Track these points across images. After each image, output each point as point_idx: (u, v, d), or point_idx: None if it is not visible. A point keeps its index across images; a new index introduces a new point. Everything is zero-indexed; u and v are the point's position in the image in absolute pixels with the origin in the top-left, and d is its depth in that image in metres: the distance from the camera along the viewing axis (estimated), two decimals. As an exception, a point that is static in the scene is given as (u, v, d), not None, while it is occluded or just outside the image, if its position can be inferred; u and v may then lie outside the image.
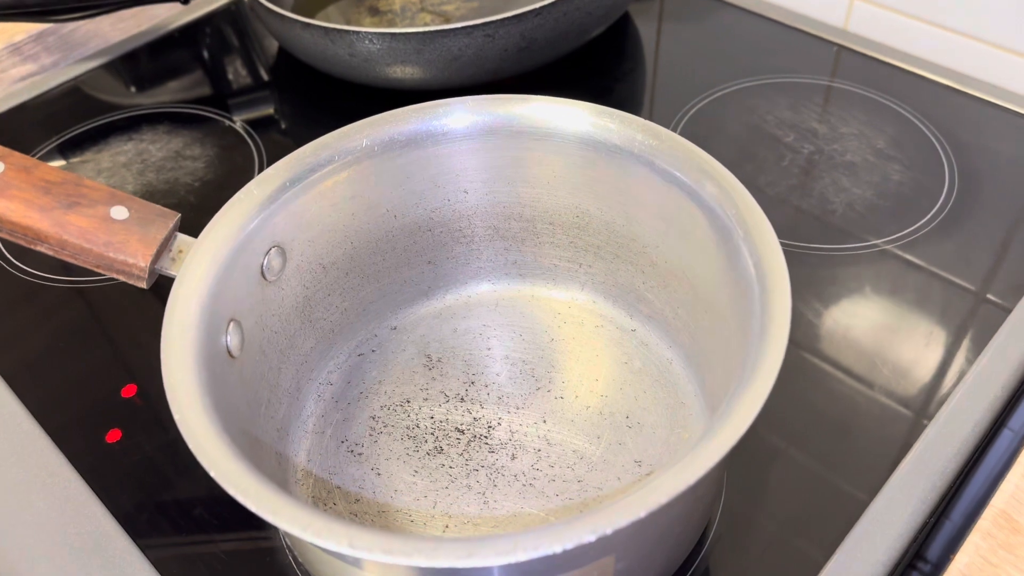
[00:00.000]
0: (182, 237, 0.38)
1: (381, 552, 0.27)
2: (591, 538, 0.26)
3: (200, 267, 0.36)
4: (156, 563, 0.40)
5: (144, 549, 0.41)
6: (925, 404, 0.44)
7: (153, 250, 0.37)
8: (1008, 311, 0.49)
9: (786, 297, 0.32)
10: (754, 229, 0.35)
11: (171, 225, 0.38)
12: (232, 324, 0.37)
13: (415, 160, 0.42)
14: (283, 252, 0.40)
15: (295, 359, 0.43)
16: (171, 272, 0.37)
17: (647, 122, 0.40)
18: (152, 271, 0.37)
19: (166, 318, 0.34)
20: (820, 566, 0.38)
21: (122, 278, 0.38)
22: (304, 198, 0.40)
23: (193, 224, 0.40)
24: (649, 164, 0.40)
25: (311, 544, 0.29)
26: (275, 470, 0.40)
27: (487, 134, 0.42)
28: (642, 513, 0.27)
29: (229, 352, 0.37)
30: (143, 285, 0.38)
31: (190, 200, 0.58)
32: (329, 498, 0.41)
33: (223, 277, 0.37)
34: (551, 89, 0.44)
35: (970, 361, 0.46)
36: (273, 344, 0.41)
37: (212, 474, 0.29)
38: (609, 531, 0.27)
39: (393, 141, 0.41)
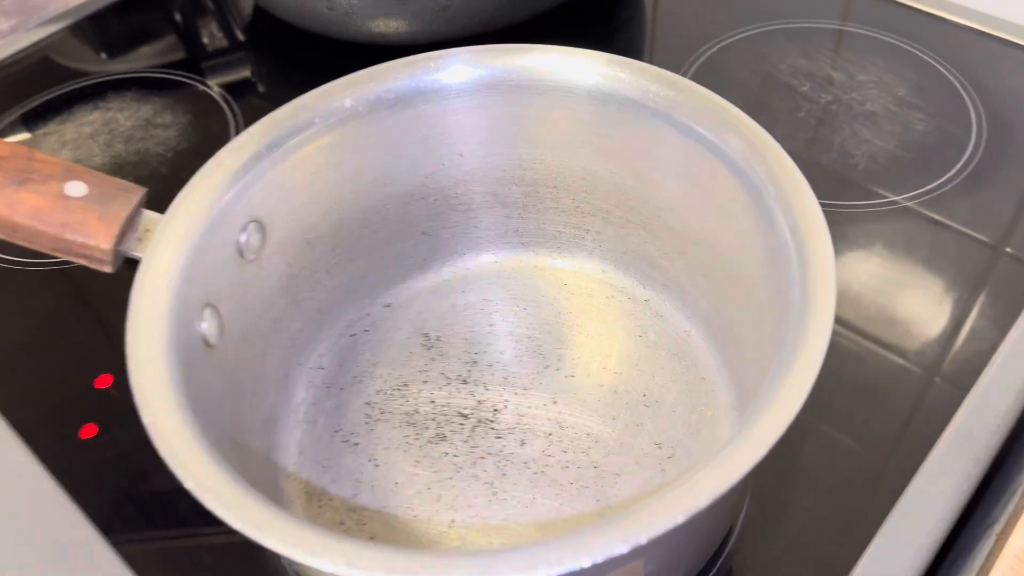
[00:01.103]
0: (149, 214, 0.34)
1: (382, 571, 0.23)
2: (624, 549, 0.23)
3: (169, 247, 0.32)
4: (136, 567, 0.37)
5: (123, 554, 0.37)
6: (962, 374, 0.41)
7: (116, 230, 0.33)
8: (1048, 271, 0.45)
9: (829, 266, 0.28)
10: (788, 188, 0.31)
11: (135, 201, 0.34)
12: (208, 309, 0.33)
13: (405, 121, 0.38)
14: (262, 227, 0.36)
15: (281, 344, 0.39)
16: (137, 254, 0.33)
17: (663, 71, 0.36)
18: (116, 253, 0.33)
19: (131, 306, 0.30)
20: (860, 551, 0.35)
21: (83, 262, 0.34)
22: (283, 166, 0.36)
23: (165, 199, 0.35)
24: (666, 117, 0.36)
25: (304, 560, 0.25)
26: (263, 466, 0.37)
27: (484, 89, 0.38)
28: (681, 518, 0.24)
29: (206, 341, 0.33)
30: (108, 269, 0.34)
31: (162, 172, 0.54)
32: (324, 494, 0.37)
33: (196, 257, 0.33)
34: (546, 40, 0.40)
35: (1006, 327, 0.43)
36: (255, 329, 0.37)
37: (188, 486, 0.26)
38: (644, 540, 0.23)
39: (380, 100, 0.37)
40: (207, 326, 0.33)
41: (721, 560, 0.36)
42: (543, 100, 0.38)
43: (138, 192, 0.34)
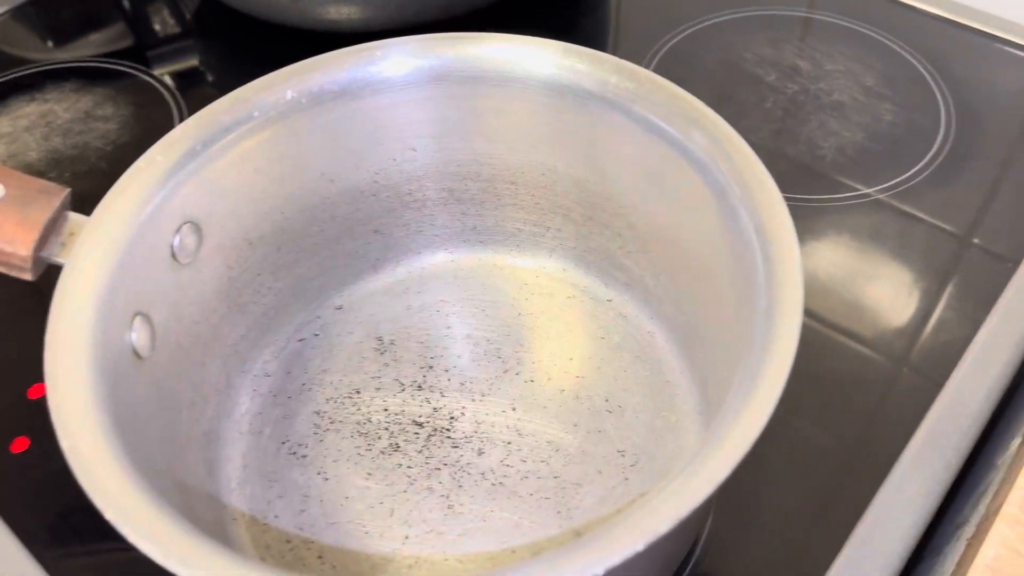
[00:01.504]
0: (74, 217, 0.32)
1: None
2: (579, 581, 0.21)
3: (94, 252, 0.30)
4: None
5: (55, 574, 0.35)
6: (932, 366, 0.40)
7: (36, 235, 0.31)
8: (1015, 263, 0.44)
9: (796, 272, 0.27)
10: (754, 187, 0.30)
11: (57, 203, 0.31)
12: (138, 318, 0.31)
13: (351, 114, 0.36)
14: (198, 228, 0.34)
15: (222, 351, 0.37)
16: (60, 260, 0.31)
17: (623, 62, 0.34)
18: (37, 260, 0.31)
19: (51, 318, 0.28)
20: (833, 553, 0.34)
21: (3, 269, 0.32)
22: (220, 163, 0.34)
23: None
24: (626, 111, 0.34)
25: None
26: (204, 482, 0.35)
27: (435, 81, 0.36)
28: (640, 545, 0.22)
29: (136, 352, 0.31)
30: (28, 277, 0.31)
31: (102, 167, 0.51)
32: (269, 509, 0.35)
33: (124, 263, 0.30)
34: (507, 29, 0.38)
35: (978, 321, 0.42)
36: (193, 336, 0.35)
37: (108, 516, 0.24)
38: (600, 571, 0.22)
39: (324, 92, 0.35)
40: (137, 336, 0.31)
41: (688, 570, 0.35)
42: (498, 92, 0.36)
43: (60, 193, 0.32)
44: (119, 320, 0.30)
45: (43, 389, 0.41)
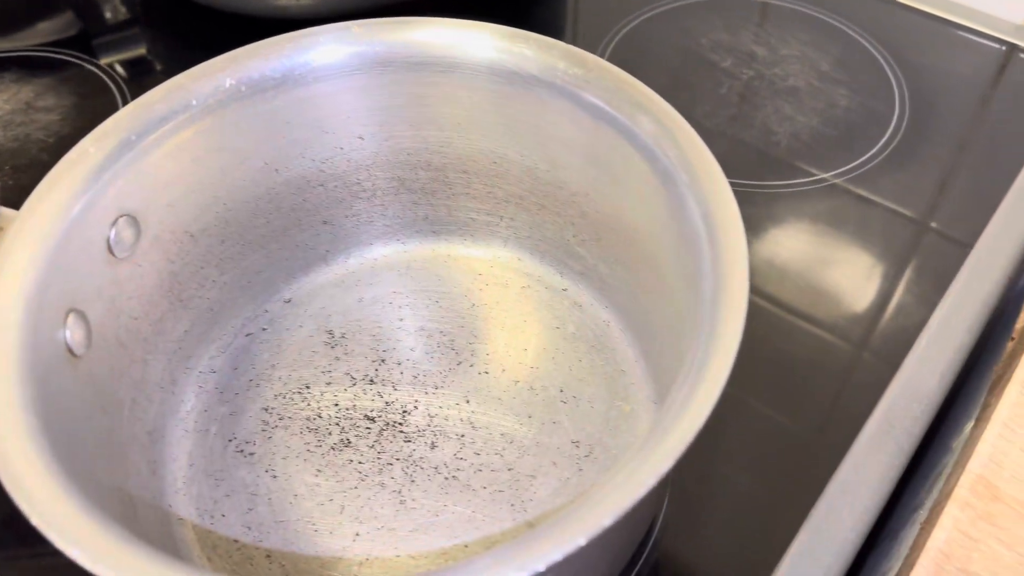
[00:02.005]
0: (3, 211, 0.31)
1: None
2: (521, 578, 0.21)
3: (24, 248, 0.29)
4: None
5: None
6: (890, 348, 0.40)
7: (-39, 229, 0.29)
8: (968, 247, 0.44)
9: (743, 259, 0.26)
10: (701, 174, 0.29)
11: (-15, 196, 0.30)
12: (72, 315, 0.30)
13: (294, 101, 0.35)
14: (135, 221, 0.33)
15: (165, 347, 0.36)
16: (-12, 255, 0.30)
17: (570, 47, 0.33)
18: (-37, 255, 0.30)
19: (-23, 316, 0.27)
20: (787, 541, 0.34)
21: (-73, 265, 0.30)
22: (157, 154, 0.33)
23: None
24: (574, 97, 0.33)
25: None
26: (148, 482, 0.34)
27: (380, 67, 0.35)
28: (582, 540, 0.22)
29: (70, 350, 0.30)
30: (-46, 273, 0.30)
31: (43, 159, 0.50)
32: (216, 509, 0.35)
33: (56, 258, 0.29)
34: (458, 13, 0.38)
35: (930, 303, 0.42)
36: (133, 333, 0.34)
37: (34, 522, 0.23)
38: (542, 567, 0.21)
39: (264, 79, 0.34)
40: (71, 334, 0.30)
41: (645, 554, 0.34)
42: (445, 79, 0.36)
43: (-12, 186, 0.30)
44: (51, 317, 0.29)
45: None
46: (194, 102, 0.33)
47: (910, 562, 0.33)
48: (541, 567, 0.21)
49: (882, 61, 0.54)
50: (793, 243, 0.45)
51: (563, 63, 0.34)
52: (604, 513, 0.22)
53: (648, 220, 0.33)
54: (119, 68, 0.56)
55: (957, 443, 0.39)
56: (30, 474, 0.24)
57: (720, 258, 0.27)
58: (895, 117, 0.51)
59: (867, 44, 0.55)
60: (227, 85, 0.34)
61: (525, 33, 0.34)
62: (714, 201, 0.28)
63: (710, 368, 0.24)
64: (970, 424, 0.39)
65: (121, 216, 0.32)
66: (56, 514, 0.23)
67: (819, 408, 0.39)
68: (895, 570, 0.34)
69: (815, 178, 0.48)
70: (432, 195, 0.41)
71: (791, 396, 0.39)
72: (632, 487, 0.22)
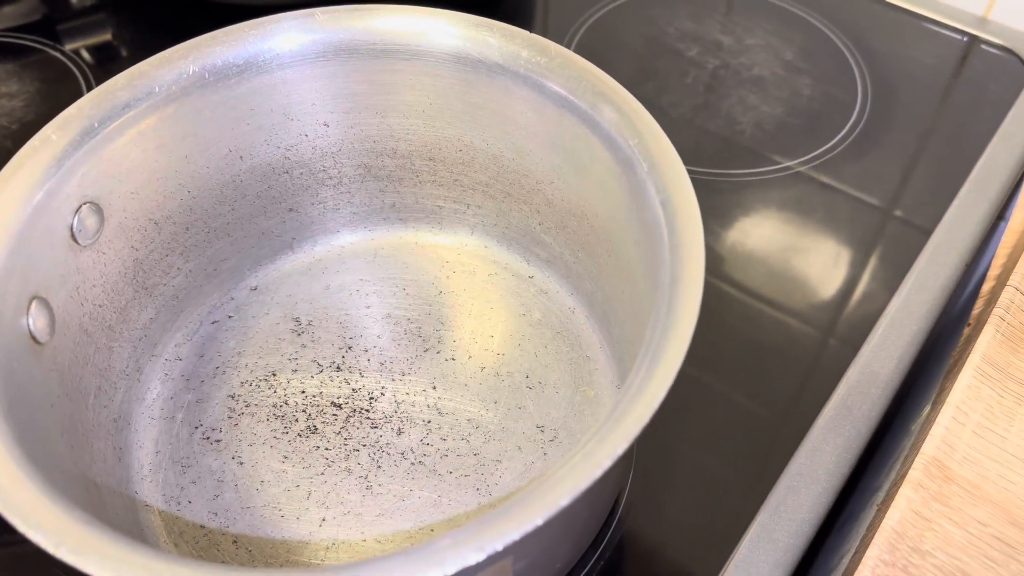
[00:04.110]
0: (-36, 198, 0.31)
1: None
2: (479, 557, 0.21)
3: (-15, 235, 0.29)
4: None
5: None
6: (854, 334, 0.41)
7: (-80, 216, 0.29)
8: (928, 233, 0.45)
9: (698, 246, 0.27)
10: (660, 162, 0.29)
11: (-56, 183, 0.30)
12: (35, 303, 0.30)
13: (258, 88, 0.35)
14: (98, 209, 0.33)
15: (130, 335, 0.36)
16: (-52, 242, 0.30)
17: (533, 35, 0.34)
18: (-77, 242, 0.30)
19: (-63, 304, 0.27)
20: (747, 522, 0.35)
21: None
22: (120, 141, 0.32)
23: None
24: (537, 86, 0.34)
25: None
26: (113, 469, 0.34)
27: (345, 54, 0.35)
28: (539, 520, 0.22)
29: (34, 337, 0.30)
30: (-85, 260, 0.30)
31: (7, 146, 0.49)
32: (183, 495, 0.35)
33: (17, 246, 0.29)
34: (430, 4, 0.38)
35: (892, 289, 0.43)
36: (98, 320, 0.34)
37: (-6, 507, 0.23)
38: (500, 547, 0.22)
39: (228, 66, 0.34)
40: (34, 321, 0.30)
41: (609, 534, 0.35)
42: (410, 66, 0.36)
43: (-53, 173, 0.30)
44: (13, 304, 0.29)
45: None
46: (157, 89, 0.33)
47: (865, 542, 0.34)
48: (499, 547, 0.21)
49: (845, 51, 0.55)
50: (759, 231, 0.45)
51: (526, 51, 0.34)
52: (562, 493, 0.22)
53: (610, 208, 0.33)
54: (84, 54, 0.56)
55: (916, 426, 0.40)
56: (-9, 460, 0.24)
57: (678, 244, 0.27)
58: (857, 106, 0.52)
59: (830, 34, 0.56)
60: (190, 72, 0.33)
61: (488, 21, 0.34)
62: (673, 189, 0.29)
63: (666, 352, 0.25)
64: (927, 408, 0.40)
65: (84, 203, 0.32)
66: (18, 500, 0.23)
67: (783, 392, 0.40)
68: (851, 551, 0.35)
69: (780, 166, 0.48)
70: (399, 183, 0.41)
71: (755, 380, 0.40)
72: (589, 468, 0.23)
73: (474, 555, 0.21)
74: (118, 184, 0.33)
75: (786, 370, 0.40)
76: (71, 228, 0.32)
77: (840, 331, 0.42)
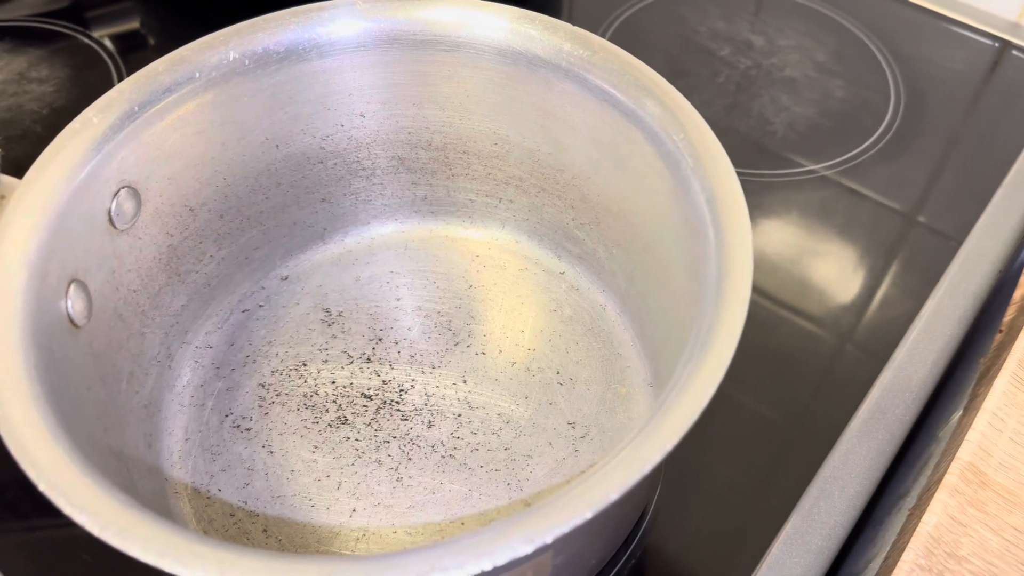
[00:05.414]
0: (4, 179, 0.30)
1: (260, 582, 0.21)
2: (528, 550, 0.21)
3: (26, 216, 0.29)
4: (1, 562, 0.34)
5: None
6: (875, 342, 0.41)
7: (-38, 196, 0.29)
8: (959, 240, 0.45)
9: (747, 242, 0.27)
10: (706, 158, 0.29)
11: (-15, 163, 0.30)
12: (74, 285, 0.30)
13: (297, 77, 0.35)
14: (136, 193, 0.33)
15: (162, 321, 0.36)
16: (-11, 223, 0.30)
17: (576, 29, 0.34)
18: (-36, 222, 0.30)
19: (-21, 283, 0.27)
20: (779, 524, 0.35)
21: (-74, 232, 0.30)
22: (159, 126, 0.32)
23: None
24: (580, 80, 0.33)
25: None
26: (144, 455, 0.34)
27: (385, 44, 0.35)
28: (588, 513, 0.22)
29: (71, 320, 0.30)
30: (-46, 240, 0.30)
31: (37, 131, 0.49)
32: (212, 483, 0.35)
33: (58, 228, 0.29)
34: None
35: (921, 298, 0.42)
36: (132, 305, 0.34)
37: (41, 488, 0.23)
38: (549, 539, 0.21)
39: (268, 53, 0.34)
40: (72, 304, 0.30)
41: (636, 541, 0.35)
42: (450, 58, 0.36)
43: (-11, 153, 0.30)
44: (53, 287, 0.29)
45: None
46: (198, 74, 0.33)
47: (900, 546, 0.34)
48: (548, 539, 0.21)
49: (877, 54, 0.55)
50: (783, 234, 0.45)
51: (569, 44, 0.34)
52: (611, 488, 0.22)
53: (650, 204, 0.33)
54: (109, 42, 0.56)
55: (944, 432, 0.39)
56: (36, 441, 0.24)
57: (724, 241, 0.27)
58: (890, 110, 0.51)
59: (863, 36, 0.56)
60: (231, 58, 0.33)
61: (531, 13, 0.34)
62: (719, 185, 0.28)
63: (715, 347, 0.25)
64: (957, 414, 0.40)
65: (123, 187, 0.32)
66: (63, 481, 0.23)
67: (802, 399, 0.39)
68: (880, 556, 0.35)
69: (806, 168, 0.48)
70: (432, 175, 0.41)
71: (775, 387, 0.39)
72: (638, 463, 0.23)
73: (523, 547, 0.21)
74: (156, 169, 0.33)
75: (805, 377, 0.40)
76: (109, 212, 0.32)
77: (861, 339, 0.41)
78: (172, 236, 0.35)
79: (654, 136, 0.31)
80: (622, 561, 0.34)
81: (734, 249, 0.27)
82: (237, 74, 0.34)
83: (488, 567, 0.21)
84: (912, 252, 0.45)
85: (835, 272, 0.44)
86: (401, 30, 0.35)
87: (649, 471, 0.23)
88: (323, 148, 0.38)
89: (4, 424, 0.24)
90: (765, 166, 0.48)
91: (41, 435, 0.24)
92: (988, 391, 0.37)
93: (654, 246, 0.34)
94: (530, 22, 0.34)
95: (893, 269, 0.44)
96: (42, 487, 0.23)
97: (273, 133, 0.36)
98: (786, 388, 0.40)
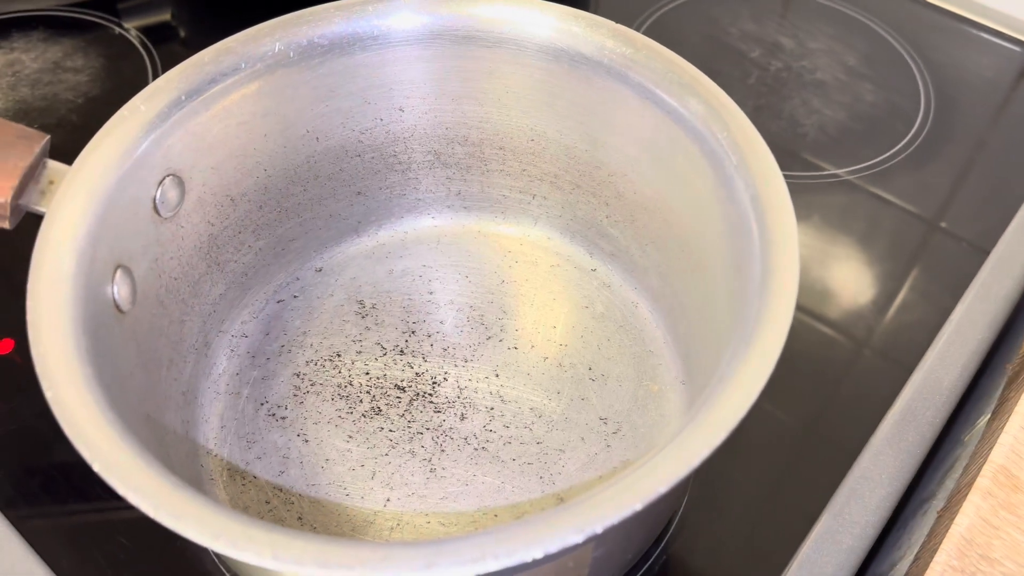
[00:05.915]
0: (54, 165, 0.31)
1: (314, 565, 0.21)
2: (578, 539, 0.21)
3: (76, 202, 0.29)
4: (39, 545, 0.34)
5: (24, 531, 0.34)
6: (896, 348, 0.41)
7: (15, 181, 0.29)
8: (979, 249, 0.45)
9: (793, 241, 0.27)
10: (750, 156, 0.29)
11: (37, 150, 0.30)
12: (120, 271, 0.30)
13: (340, 70, 0.35)
14: (180, 182, 0.33)
15: (201, 309, 0.36)
16: (40, 208, 0.30)
17: (619, 27, 0.34)
18: (16, 208, 0.30)
19: (33, 267, 0.27)
20: (805, 531, 0.35)
21: (-23, 216, 0.30)
22: (204, 115, 0.33)
23: (75, 149, 0.32)
24: (622, 77, 0.34)
25: (225, 550, 0.23)
26: (181, 442, 0.34)
27: (428, 39, 0.35)
28: (638, 504, 0.22)
29: (117, 305, 0.30)
30: (5, 225, 0.30)
31: (72, 120, 0.50)
32: (248, 471, 0.35)
33: (105, 214, 0.30)
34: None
35: (944, 304, 0.42)
36: (173, 293, 0.34)
37: (96, 468, 0.23)
38: (599, 529, 0.22)
39: (313, 46, 0.34)
40: (118, 289, 0.30)
41: (667, 539, 0.35)
42: (491, 54, 0.36)
43: (40, 140, 0.30)
44: (101, 272, 0.29)
45: (10, 344, 0.40)
46: (243, 65, 0.33)
47: (931, 547, 0.34)
48: (599, 529, 0.21)
49: (908, 59, 0.55)
50: (806, 239, 0.45)
51: (611, 42, 0.34)
52: (660, 480, 0.22)
53: (689, 202, 0.33)
54: (139, 32, 0.56)
55: (970, 436, 0.40)
56: (89, 422, 0.24)
57: (770, 239, 0.27)
58: (920, 116, 0.51)
59: (892, 40, 0.56)
60: (276, 50, 0.34)
61: (575, 11, 0.34)
62: (763, 183, 0.29)
63: (761, 342, 0.25)
64: (984, 418, 0.40)
65: (168, 176, 0.32)
66: (117, 462, 0.23)
67: (824, 407, 0.39)
68: (907, 558, 0.35)
69: (830, 172, 0.48)
70: (466, 171, 0.41)
71: (797, 394, 0.39)
72: (687, 456, 0.23)
73: (573, 536, 0.21)
74: (200, 158, 0.33)
75: (827, 384, 0.40)
76: (154, 199, 0.32)
77: (882, 346, 0.41)
78: (213, 225, 0.35)
79: (697, 134, 0.32)
80: (653, 557, 0.34)
81: (780, 246, 0.27)
82: (282, 66, 0.34)
83: (539, 555, 0.21)
84: (933, 257, 0.45)
85: (858, 278, 0.44)
86: (446, 25, 0.35)
87: (698, 464, 0.23)
88: (361, 142, 0.39)
89: (57, 406, 0.24)
90: (799, 168, 0.48)
91: (94, 417, 0.24)
92: (1019, 395, 0.37)
93: (691, 244, 0.34)
94: (574, 20, 0.34)
95: (915, 275, 0.44)
96: (96, 467, 0.23)
97: (314, 126, 0.37)
98: (808, 395, 0.40)
